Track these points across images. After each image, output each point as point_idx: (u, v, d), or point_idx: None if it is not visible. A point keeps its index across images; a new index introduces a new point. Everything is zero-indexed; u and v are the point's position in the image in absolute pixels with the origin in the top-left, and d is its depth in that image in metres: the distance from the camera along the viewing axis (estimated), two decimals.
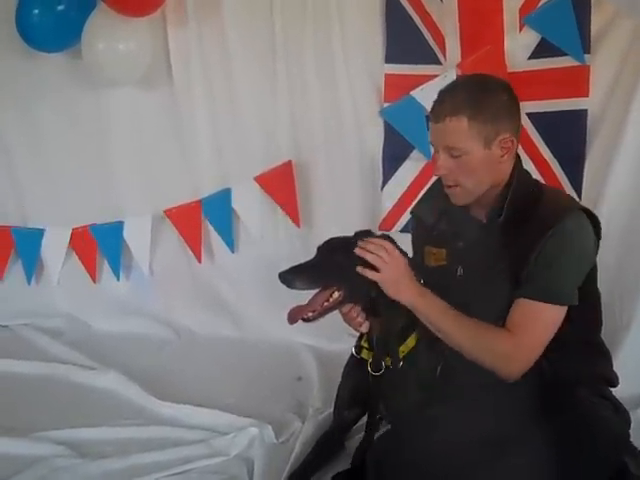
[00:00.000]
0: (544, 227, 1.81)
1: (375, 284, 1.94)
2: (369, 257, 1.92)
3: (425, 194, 2.20)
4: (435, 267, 2.05)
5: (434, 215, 2.06)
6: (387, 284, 1.92)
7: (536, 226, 1.83)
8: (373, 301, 2.02)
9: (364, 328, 2.08)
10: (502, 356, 1.83)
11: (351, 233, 2.15)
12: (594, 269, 1.91)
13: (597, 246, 1.91)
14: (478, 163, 1.87)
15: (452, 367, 2.01)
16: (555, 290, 1.81)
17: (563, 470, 1.66)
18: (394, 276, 1.91)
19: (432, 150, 1.97)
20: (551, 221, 1.82)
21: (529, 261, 1.82)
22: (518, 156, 1.96)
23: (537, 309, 1.81)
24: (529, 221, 1.85)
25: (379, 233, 2.18)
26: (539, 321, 1.82)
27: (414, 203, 2.24)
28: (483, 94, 1.87)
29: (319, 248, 2.09)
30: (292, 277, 1.98)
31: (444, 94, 1.91)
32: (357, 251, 1.94)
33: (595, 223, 1.89)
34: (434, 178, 2.19)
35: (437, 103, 1.91)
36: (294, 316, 2.03)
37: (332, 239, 2.10)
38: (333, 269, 2.01)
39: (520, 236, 1.84)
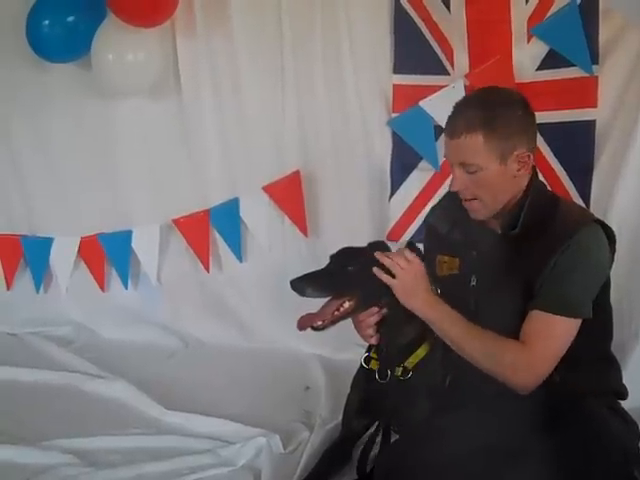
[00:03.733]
0: (559, 239, 1.81)
1: (389, 290, 1.95)
2: (387, 262, 1.93)
3: (439, 202, 2.20)
4: (447, 276, 2.05)
5: (448, 224, 2.06)
6: (399, 290, 1.92)
7: (551, 238, 1.83)
8: (386, 312, 2.03)
9: (374, 340, 2.08)
10: (513, 367, 1.82)
11: (359, 243, 2.15)
12: (607, 282, 1.90)
13: (612, 259, 1.91)
14: (494, 178, 1.86)
15: (461, 378, 2.01)
16: (569, 303, 1.81)
17: None
18: (408, 283, 1.91)
19: (448, 163, 1.97)
20: (566, 233, 1.81)
21: (544, 269, 1.81)
22: (534, 167, 1.95)
23: (551, 321, 1.80)
24: (544, 233, 1.85)
25: (402, 243, 2.17)
26: (552, 333, 1.81)
27: (427, 211, 2.24)
28: (498, 110, 1.86)
29: (332, 257, 2.09)
30: (304, 285, 1.98)
31: (459, 110, 1.90)
32: (377, 254, 1.95)
33: (610, 235, 1.89)
34: (442, 188, 2.19)
35: (452, 119, 1.90)
36: (304, 324, 2.03)
37: (345, 249, 2.10)
38: (346, 279, 2.01)
39: (535, 247, 1.84)
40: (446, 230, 2.06)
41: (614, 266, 1.93)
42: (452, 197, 2.05)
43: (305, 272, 2.03)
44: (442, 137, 2.89)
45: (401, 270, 1.91)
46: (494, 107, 1.87)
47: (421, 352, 2.09)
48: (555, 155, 2.89)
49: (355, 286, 2.01)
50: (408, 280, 1.91)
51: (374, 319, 2.04)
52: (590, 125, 2.82)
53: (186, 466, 2.34)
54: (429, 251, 2.15)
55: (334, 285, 2.02)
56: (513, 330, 1.85)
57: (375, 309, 2.03)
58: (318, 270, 2.05)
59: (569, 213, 1.92)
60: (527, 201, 1.90)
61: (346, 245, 2.12)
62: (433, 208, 2.22)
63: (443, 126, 2.00)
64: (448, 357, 2.04)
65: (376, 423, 2.18)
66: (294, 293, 1.99)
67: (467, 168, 1.87)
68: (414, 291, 1.92)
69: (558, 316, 1.80)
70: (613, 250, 1.90)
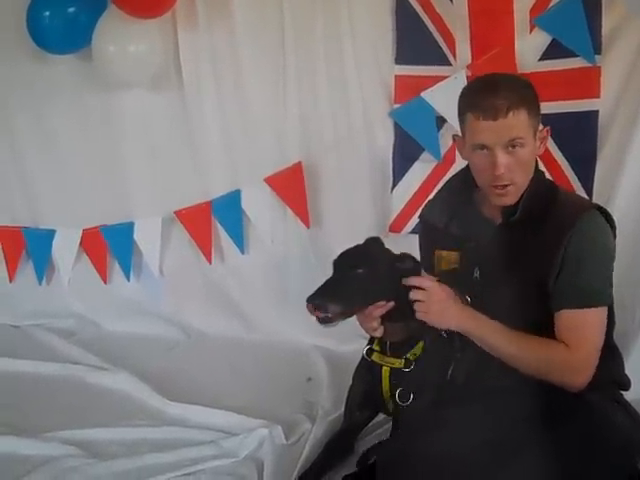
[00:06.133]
0: (563, 227, 1.82)
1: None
2: (413, 296, 1.92)
3: (435, 197, 2.17)
4: (447, 271, 2.04)
5: (445, 217, 2.05)
6: (433, 319, 1.92)
7: (554, 225, 1.83)
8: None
9: (378, 333, 2.06)
10: (564, 370, 1.82)
11: (360, 235, 2.14)
12: None
13: (614, 244, 1.91)
14: (530, 155, 1.88)
15: (463, 369, 2.00)
16: (592, 293, 1.82)
17: (575, 475, 1.65)
18: (436, 310, 1.90)
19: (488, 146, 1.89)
20: (569, 221, 1.82)
21: (554, 263, 1.81)
22: None
23: (581, 316, 1.81)
24: (546, 220, 1.85)
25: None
26: (587, 328, 1.82)
27: (423, 206, 2.22)
28: (527, 87, 1.89)
29: (336, 264, 2.04)
30: (323, 301, 1.92)
31: (494, 90, 1.84)
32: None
33: (610, 221, 1.89)
34: (444, 180, 2.18)
35: (489, 100, 1.83)
36: None
37: (346, 252, 2.06)
38: (359, 285, 1.97)
39: (538, 236, 1.84)
40: (443, 224, 2.04)
41: (616, 256, 1.93)
42: (449, 189, 2.04)
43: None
44: (444, 128, 2.94)
45: (423, 303, 1.91)
46: (523, 85, 1.90)
47: (423, 344, 2.08)
48: (558, 145, 2.88)
49: (370, 289, 1.99)
50: (434, 308, 1.90)
51: (380, 312, 2.02)
52: (593, 115, 2.82)
53: (188, 457, 2.34)
54: (426, 247, 2.15)
55: (353, 296, 1.97)
56: (521, 319, 1.84)
57: (382, 302, 2.00)
58: (329, 282, 1.99)
59: (569, 200, 1.94)
60: (526, 187, 1.89)
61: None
62: (428, 203, 2.20)
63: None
64: (449, 349, 2.05)
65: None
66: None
67: (515, 142, 1.83)
68: (444, 313, 1.91)
69: (586, 309, 1.81)
70: (614, 235, 1.90)
